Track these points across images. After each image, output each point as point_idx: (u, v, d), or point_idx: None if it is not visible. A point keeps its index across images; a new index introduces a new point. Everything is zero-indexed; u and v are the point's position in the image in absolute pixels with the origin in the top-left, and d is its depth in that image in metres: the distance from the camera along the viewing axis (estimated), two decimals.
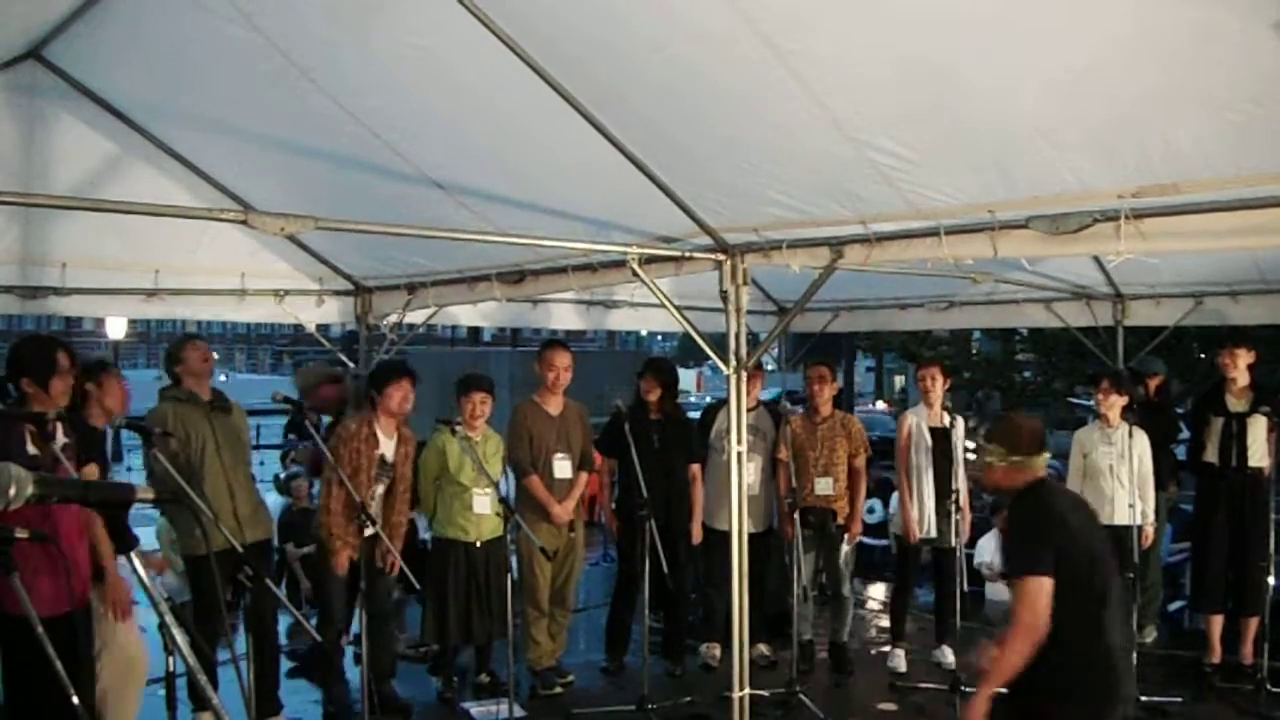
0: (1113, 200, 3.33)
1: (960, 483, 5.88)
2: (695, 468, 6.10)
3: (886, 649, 6.38)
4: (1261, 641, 5.66)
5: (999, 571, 7.90)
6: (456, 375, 5.82)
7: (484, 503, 5.41)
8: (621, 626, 6.16)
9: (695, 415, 6.73)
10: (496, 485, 5.26)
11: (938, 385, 6.08)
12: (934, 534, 5.96)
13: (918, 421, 6.05)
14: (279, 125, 4.75)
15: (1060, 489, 3.71)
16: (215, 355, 5.29)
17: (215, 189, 5.43)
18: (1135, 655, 4.37)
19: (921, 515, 5.95)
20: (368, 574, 5.11)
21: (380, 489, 5.21)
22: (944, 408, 6.10)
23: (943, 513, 5.86)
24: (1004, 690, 3.27)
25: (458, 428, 5.13)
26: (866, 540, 7.83)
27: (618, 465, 6.00)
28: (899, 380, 34.44)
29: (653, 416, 5.97)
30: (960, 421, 6.12)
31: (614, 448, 5.89)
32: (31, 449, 3.51)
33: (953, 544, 5.81)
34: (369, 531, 4.97)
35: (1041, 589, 3.15)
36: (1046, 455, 3.47)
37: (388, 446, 5.23)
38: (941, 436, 5.97)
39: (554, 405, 5.75)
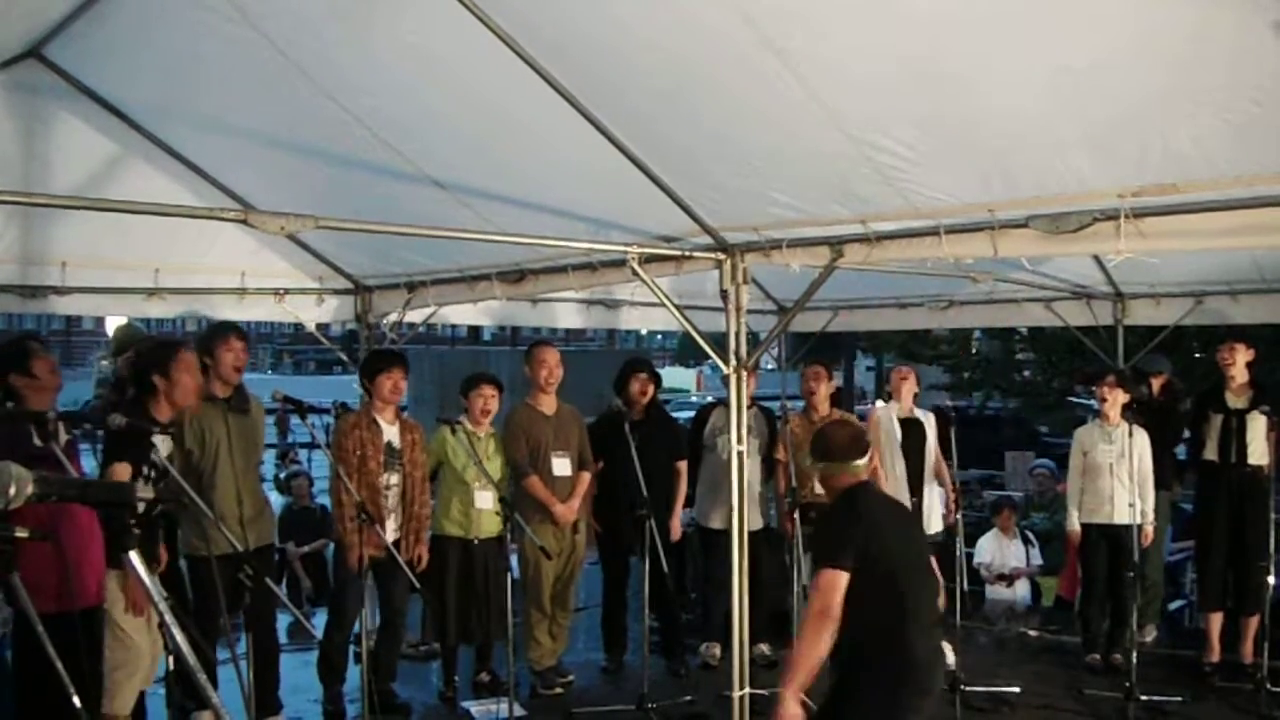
0: (1113, 200, 3.34)
1: (934, 474, 6.07)
2: (681, 464, 6.12)
3: None
4: (1261, 641, 5.65)
5: (996, 573, 7.92)
6: (456, 374, 5.80)
7: (485, 498, 5.40)
8: (616, 625, 6.16)
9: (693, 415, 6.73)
10: (497, 483, 5.24)
11: (905, 386, 6.23)
12: None
13: (888, 415, 6.15)
14: (279, 125, 4.75)
15: (881, 495, 3.75)
16: (248, 356, 4.93)
17: (216, 189, 5.43)
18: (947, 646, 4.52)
19: None
20: (384, 574, 5.12)
21: (394, 479, 5.18)
22: (916, 404, 6.27)
23: (916, 506, 5.91)
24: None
25: (457, 427, 5.13)
26: None
27: (605, 465, 5.94)
28: None
29: (636, 417, 5.93)
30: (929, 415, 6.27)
31: (605, 448, 5.84)
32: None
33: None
34: (391, 536, 4.97)
35: (836, 582, 3.23)
36: (863, 461, 3.52)
37: (392, 433, 5.21)
38: (911, 428, 6.10)
39: (548, 405, 5.71)
